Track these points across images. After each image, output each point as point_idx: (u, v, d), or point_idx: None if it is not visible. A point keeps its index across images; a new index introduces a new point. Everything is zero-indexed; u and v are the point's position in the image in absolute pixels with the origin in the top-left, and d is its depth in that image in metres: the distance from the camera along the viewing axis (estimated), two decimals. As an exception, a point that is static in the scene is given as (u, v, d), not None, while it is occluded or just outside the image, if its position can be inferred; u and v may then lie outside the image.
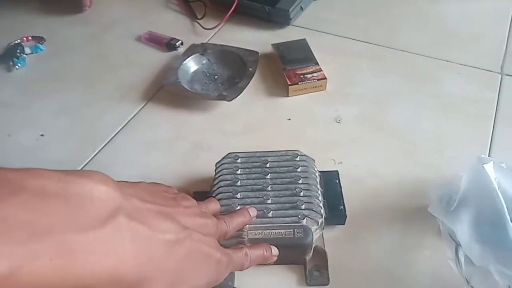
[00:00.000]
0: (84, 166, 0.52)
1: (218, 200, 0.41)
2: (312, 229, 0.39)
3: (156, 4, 0.77)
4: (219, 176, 0.43)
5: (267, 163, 0.44)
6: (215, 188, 0.42)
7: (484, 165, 0.37)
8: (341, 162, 0.50)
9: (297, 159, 0.44)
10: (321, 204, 0.41)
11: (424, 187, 0.45)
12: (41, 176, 0.24)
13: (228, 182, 0.42)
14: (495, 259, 0.33)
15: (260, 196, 0.41)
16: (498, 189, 0.36)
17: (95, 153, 0.53)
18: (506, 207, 0.35)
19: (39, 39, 0.70)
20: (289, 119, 0.55)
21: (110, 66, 0.65)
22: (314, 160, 0.45)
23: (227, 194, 0.41)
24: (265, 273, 0.40)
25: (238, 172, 0.43)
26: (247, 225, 0.39)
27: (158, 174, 0.50)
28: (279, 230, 0.39)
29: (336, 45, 0.65)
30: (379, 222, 0.44)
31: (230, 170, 0.43)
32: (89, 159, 0.53)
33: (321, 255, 0.41)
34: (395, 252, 0.42)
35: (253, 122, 0.55)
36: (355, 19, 0.70)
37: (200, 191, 0.45)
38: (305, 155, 0.45)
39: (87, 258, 0.24)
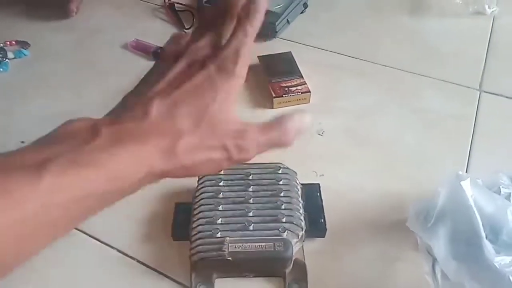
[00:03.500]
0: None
1: (200, 212, 0.41)
2: (292, 242, 0.39)
3: (144, 12, 0.77)
4: (202, 188, 0.43)
5: (250, 175, 0.44)
6: (197, 200, 0.42)
7: (461, 182, 0.38)
8: (323, 175, 0.50)
9: (279, 171, 0.45)
10: (301, 217, 0.42)
11: (404, 201, 0.46)
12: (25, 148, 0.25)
13: (210, 194, 0.42)
14: (471, 276, 0.34)
15: (242, 208, 0.41)
16: (474, 206, 0.37)
17: (77, 161, 0.53)
18: (482, 224, 0.36)
19: (23, 44, 0.69)
20: (273, 131, 0.56)
21: (95, 74, 0.65)
22: (296, 173, 0.45)
23: (209, 206, 0.41)
24: (244, 285, 0.40)
25: (221, 184, 0.43)
26: (228, 238, 0.39)
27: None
28: (260, 243, 0.39)
29: (320, 58, 0.66)
30: (359, 235, 0.45)
31: (213, 181, 0.44)
32: (70, 168, 0.52)
33: (300, 268, 0.41)
34: (374, 266, 0.43)
35: (237, 133, 0.56)
36: (340, 33, 0.71)
37: (182, 202, 0.45)
38: (287, 167, 0.45)
39: (105, 161, 0.24)
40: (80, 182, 0.24)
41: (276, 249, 0.39)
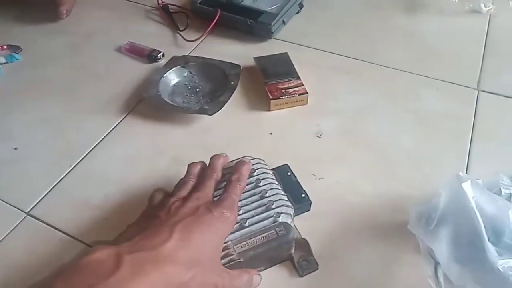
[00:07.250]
0: (60, 180, 0.50)
1: None
2: (290, 223, 0.40)
3: (137, 14, 0.76)
4: None
5: (224, 177, 0.44)
6: None
7: (462, 184, 0.37)
8: (322, 178, 0.50)
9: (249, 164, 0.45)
10: (286, 198, 0.42)
11: (404, 203, 0.46)
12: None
13: None
14: (474, 280, 0.33)
15: None
16: (476, 208, 0.36)
17: (71, 167, 0.52)
18: (484, 226, 0.36)
19: (15, 48, 0.68)
20: (271, 133, 0.55)
21: (89, 77, 0.64)
22: (264, 160, 0.46)
23: None
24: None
25: None
26: (230, 242, 0.39)
27: (136, 189, 0.49)
28: (262, 235, 0.39)
29: (317, 59, 0.66)
30: (358, 238, 0.44)
31: None
32: (65, 174, 0.51)
33: (303, 244, 0.42)
34: (374, 269, 0.42)
35: (234, 136, 0.55)
36: (337, 33, 0.71)
37: None
38: (255, 157, 0.46)
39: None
40: None
41: (279, 235, 0.39)
